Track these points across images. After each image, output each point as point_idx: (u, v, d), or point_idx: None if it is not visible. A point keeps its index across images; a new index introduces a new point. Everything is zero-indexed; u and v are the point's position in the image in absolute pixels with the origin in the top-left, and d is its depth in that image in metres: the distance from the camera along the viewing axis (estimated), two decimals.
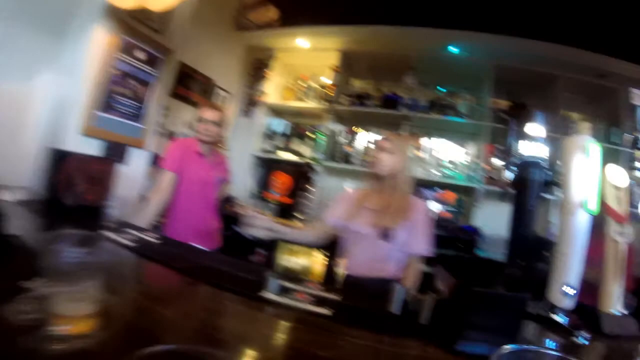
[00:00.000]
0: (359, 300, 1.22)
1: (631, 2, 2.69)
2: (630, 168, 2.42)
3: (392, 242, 1.63)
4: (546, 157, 2.23)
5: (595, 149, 1.60)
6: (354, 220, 1.68)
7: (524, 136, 2.33)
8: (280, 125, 3.58)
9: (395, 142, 1.74)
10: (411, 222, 1.65)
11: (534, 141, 2.30)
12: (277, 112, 3.57)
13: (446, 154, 3.07)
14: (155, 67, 2.34)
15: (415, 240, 1.65)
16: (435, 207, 2.98)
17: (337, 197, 1.85)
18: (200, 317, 0.93)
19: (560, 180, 1.81)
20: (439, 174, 3.03)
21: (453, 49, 3.05)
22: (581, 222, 1.58)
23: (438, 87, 3.12)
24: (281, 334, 0.96)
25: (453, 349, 0.91)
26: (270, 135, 3.53)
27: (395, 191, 1.69)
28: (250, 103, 3.57)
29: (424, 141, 3.07)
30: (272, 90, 3.57)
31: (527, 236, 2.10)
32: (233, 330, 0.91)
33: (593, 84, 2.98)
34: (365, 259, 1.66)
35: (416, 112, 3.02)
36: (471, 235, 2.73)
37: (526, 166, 2.13)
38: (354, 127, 3.30)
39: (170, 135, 2.63)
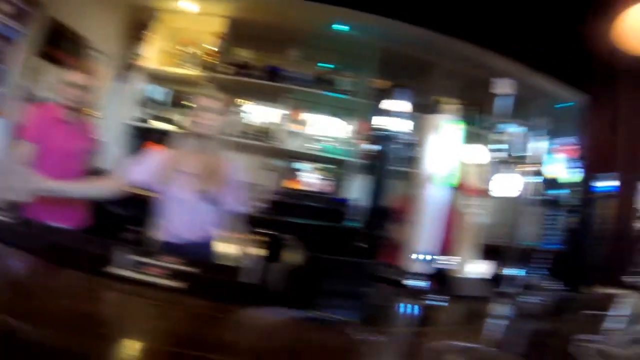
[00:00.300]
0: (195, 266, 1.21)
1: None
2: (489, 150, 2.58)
3: (213, 205, 1.67)
4: (407, 133, 2.27)
5: (452, 128, 1.66)
6: (170, 184, 1.66)
7: (388, 113, 2.35)
8: (157, 92, 3.32)
9: (221, 102, 1.74)
10: (230, 182, 1.70)
11: (397, 117, 2.33)
12: (156, 78, 3.40)
13: (325, 128, 3.21)
14: (21, 23, 2.15)
15: (234, 200, 1.71)
16: (312, 179, 2.96)
17: (142, 155, 1.79)
18: (42, 297, 0.88)
19: (417, 155, 1.83)
20: (317, 147, 3.20)
21: (341, 27, 3.04)
22: (434, 194, 1.62)
23: (320, 64, 3.09)
24: (126, 310, 0.94)
25: (306, 316, 0.94)
26: (146, 102, 3.25)
27: (214, 152, 1.72)
28: (127, 67, 3.27)
29: (305, 115, 3.02)
30: (152, 54, 3.41)
31: (380, 206, 2.11)
32: (75, 310, 0.84)
33: (469, 73, 3.30)
34: (186, 223, 1.66)
35: (299, 85, 3.04)
36: (341, 207, 2.78)
37: (383, 140, 2.15)
38: (238, 98, 3.14)
39: (36, 101, 2.30)
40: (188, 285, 1.04)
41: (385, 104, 2.32)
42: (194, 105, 1.72)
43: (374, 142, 2.33)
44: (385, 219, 2.06)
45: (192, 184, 1.64)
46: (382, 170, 2.15)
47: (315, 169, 3.17)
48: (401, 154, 2.23)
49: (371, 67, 3.20)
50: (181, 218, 1.65)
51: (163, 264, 1.13)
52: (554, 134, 3.49)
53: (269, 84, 3.12)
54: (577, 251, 2.54)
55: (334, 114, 3.29)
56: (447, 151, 1.79)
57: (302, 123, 3.24)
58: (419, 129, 1.87)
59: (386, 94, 2.63)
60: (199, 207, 1.66)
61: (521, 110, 3.64)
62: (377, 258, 1.88)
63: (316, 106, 3.27)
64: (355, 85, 3.22)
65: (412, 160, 2.06)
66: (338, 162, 3.20)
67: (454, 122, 1.88)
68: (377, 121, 2.29)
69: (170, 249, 1.55)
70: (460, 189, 2.13)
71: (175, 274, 1.09)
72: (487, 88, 3.31)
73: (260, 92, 3.20)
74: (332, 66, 3.30)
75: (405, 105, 2.23)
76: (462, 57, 3.14)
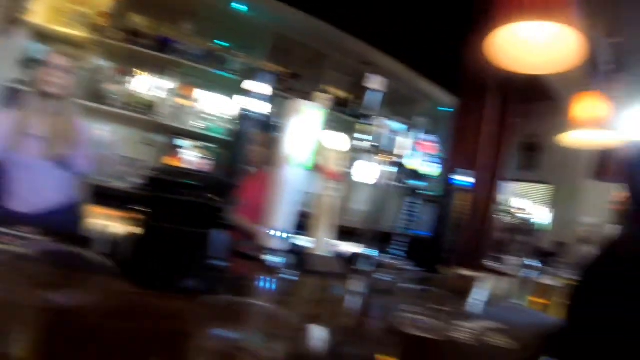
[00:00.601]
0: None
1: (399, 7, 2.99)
2: (355, 139, 2.68)
3: (65, 170, 1.62)
4: (268, 115, 2.32)
5: (314, 114, 1.73)
6: (16, 149, 1.55)
7: (251, 94, 2.40)
8: (42, 52, 3.06)
9: (73, 60, 1.67)
10: (81, 146, 1.65)
11: (258, 99, 2.38)
12: (41, 36, 3.08)
13: (212, 107, 3.10)
14: None
15: (82, 162, 1.67)
16: (192, 157, 2.94)
17: None
18: None
19: (278, 136, 1.87)
20: (201, 125, 3.16)
21: (240, 6, 3.01)
22: (290, 174, 1.68)
23: (216, 41, 3.03)
24: None
25: (145, 285, 0.94)
26: (28, 63, 3.00)
27: (64, 114, 1.63)
28: (11, 20, 2.97)
29: (192, 91, 2.97)
30: (40, 9, 3.05)
31: (231, 182, 2.14)
32: None
33: (358, 68, 3.44)
34: (36, 190, 1.59)
35: (189, 60, 2.95)
36: (214, 184, 2.77)
37: (243, 119, 2.19)
38: (133, 68, 3.00)
39: None
40: (38, 253, 1.02)
41: (249, 85, 2.36)
42: (44, 63, 1.63)
43: (237, 122, 2.36)
44: (232, 195, 2.10)
45: (40, 147, 1.55)
46: (239, 149, 2.19)
47: (196, 147, 3.13)
48: (261, 134, 2.26)
49: (264, 51, 3.23)
50: (31, 185, 1.57)
51: (15, 232, 1.10)
52: (430, 132, 3.77)
53: (158, 55, 3.03)
54: (434, 236, 2.72)
55: (223, 93, 3.25)
56: (308, 135, 1.86)
57: (189, 99, 3.17)
58: (284, 112, 1.93)
59: (253, 76, 2.68)
60: (49, 172, 1.58)
61: (407, 109, 3.86)
62: (234, 233, 1.93)
63: (205, 83, 3.22)
64: (246, 67, 3.19)
65: (272, 141, 2.12)
66: (220, 142, 3.17)
67: (318, 109, 1.95)
68: (240, 101, 2.33)
69: (23, 217, 1.49)
70: (320, 172, 2.21)
71: (26, 242, 1.06)
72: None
73: (148, 63, 3.09)
74: (227, 44, 3.27)
75: (267, 88, 2.29)
76: (352, 53, 3.27)
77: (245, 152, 2.19)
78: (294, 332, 0.89)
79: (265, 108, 2.18)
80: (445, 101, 4.00)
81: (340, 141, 2.27)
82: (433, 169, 3.14)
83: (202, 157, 3.12)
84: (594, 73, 3.37)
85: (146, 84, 3.09)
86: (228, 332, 0.77)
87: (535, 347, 1.24)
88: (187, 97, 3.16)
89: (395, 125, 3.29)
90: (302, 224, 2.01)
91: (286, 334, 0.83)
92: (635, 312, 0.96)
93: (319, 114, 1.92)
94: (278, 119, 2.27)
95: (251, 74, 2.70)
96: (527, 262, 3.00)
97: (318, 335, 0.86)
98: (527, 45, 1.80)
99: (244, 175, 2.19)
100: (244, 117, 2.15)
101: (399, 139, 3.09)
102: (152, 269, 1.00)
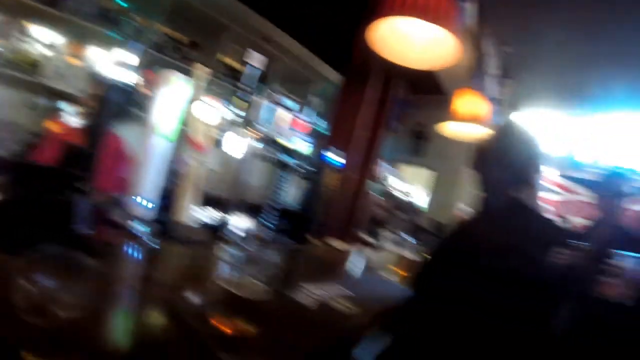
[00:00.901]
0: None
1: None
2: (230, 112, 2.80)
3: None
4: (133, 85, 2.37)
5: (181, 86, 1.79)
6: None
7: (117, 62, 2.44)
8: None
9: None
10: None
11: (124, 68, 2.42)
12: None
13: (101, 69, 3.02)
14: None
15: None
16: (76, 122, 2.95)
17: None
18: None
19: (145, 106, 1.92)
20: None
21: None
22: (157, 144, 1.74)
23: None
24: None
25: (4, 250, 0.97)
26: None
27: None
28: None
29: (82, 52, 2.95)
30: None
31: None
32: None
33: (258, 44, 3.56)
34: None
35: (81, 18, 2.86)
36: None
37: (109, 88, 2.23)
38: (19, 22, 2.93)
39: None
40: None
41: (116, 54, 2.45)
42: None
43: (103, 89, 2.42)
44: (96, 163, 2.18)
45: None
46: (101, 117, 2.27)
47: (80, 112, 2.82)
48: (124, 101, 2.35)
49: (163, 16, 3.20)
50: None
51: None
52: (322, 112, 3.99)
53: (49, 9, 2.88)
54: (305, 210, 2.95)
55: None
56: (176, 106, 1.97)
57: (78, 59, 3.04)
58: (155, 82, 2.02)
59: (128, 43, 2.75)
60: None
61: (303, 88, 4.03)
62: (98, 200, 2.02)
63: (97, 44, 3.07)
64: (140, 30, 3.15)
65: (139, 110, 2.21)
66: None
67: (191, 80, 2.07)
68: (106, 69, 2.39)
69: None
70: (187, 142, 2.34)
71: None
72: (270, 61, 3.61)
73: (36, 17, 2.93)
74: (125, 5, 3.17)
75: (134, 58, 2.38)
76: (253, 28, 3.36)
77: (112, 120, 2.29)
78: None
79: (131, 77, 2.27)
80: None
81: (210, 113, 2.41)
82: (305, 146, 3.38)
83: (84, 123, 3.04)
84: (480, 75, 3.69)
85: (33, 41, 2.92)
86: (50, 281, 0.87)
87: (377, 315, 1.40)
88: (76, 57, 3.04)
89: (287, 102, 3.48)
90: (168, 193, 2.13)
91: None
92: (477, 286, 1.10)
93: (190, 85, 2.05)
94: (149, 88, 2.37)
95: (141, 39, 2.72)
96: (402, 237, 3.33)
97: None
98: (406, 40, 2.00)
99: (109, 143, 2.28)
100: (111, 85, 2.23)
101: (276, 115, 3.29)
102: (12, 234, 1.03)
